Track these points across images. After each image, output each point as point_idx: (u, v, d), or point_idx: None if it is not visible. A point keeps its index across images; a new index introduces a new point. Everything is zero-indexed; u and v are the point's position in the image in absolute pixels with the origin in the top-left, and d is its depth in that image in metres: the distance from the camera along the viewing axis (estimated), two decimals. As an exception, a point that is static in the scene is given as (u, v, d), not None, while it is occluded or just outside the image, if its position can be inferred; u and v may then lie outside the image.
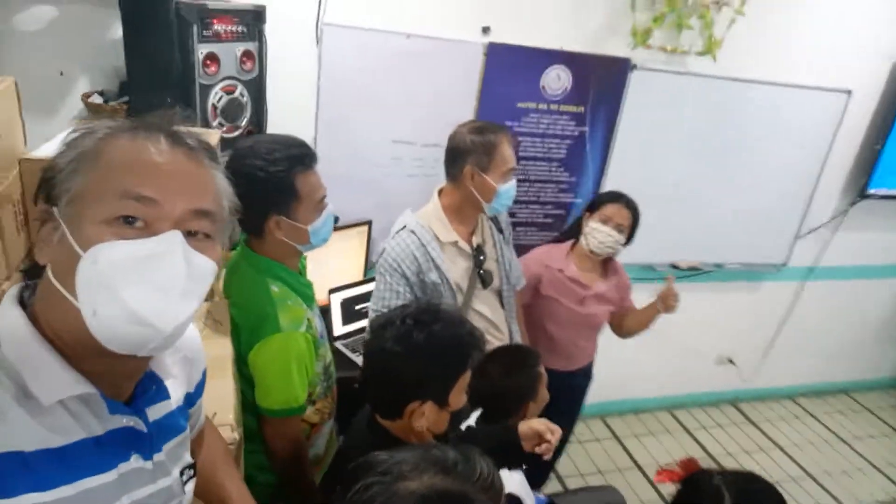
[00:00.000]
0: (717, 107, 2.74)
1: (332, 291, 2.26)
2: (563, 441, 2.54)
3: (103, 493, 0.67)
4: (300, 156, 1.34)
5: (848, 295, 3.59)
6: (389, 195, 2.37)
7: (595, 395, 2.96)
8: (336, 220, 2.29)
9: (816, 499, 2.98)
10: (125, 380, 0.72)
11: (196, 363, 0.88)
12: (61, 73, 1.87)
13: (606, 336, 2.37)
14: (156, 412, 0.76)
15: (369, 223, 2.38)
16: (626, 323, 2.35)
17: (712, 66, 2.61)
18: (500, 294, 1.88)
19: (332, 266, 2.29)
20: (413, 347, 1.11)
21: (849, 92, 2.89)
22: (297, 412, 1.39)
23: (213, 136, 1.54)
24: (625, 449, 3.18)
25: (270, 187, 1.30)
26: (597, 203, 2.14)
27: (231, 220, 0.77)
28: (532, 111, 2.49)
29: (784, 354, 3.63)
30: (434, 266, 1.68)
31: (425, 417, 1.14)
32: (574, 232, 2.22)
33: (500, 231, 1.88)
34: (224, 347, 1.28)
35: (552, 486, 2.75)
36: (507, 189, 1.71)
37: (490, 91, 2.39)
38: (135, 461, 0.71)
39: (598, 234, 2.06)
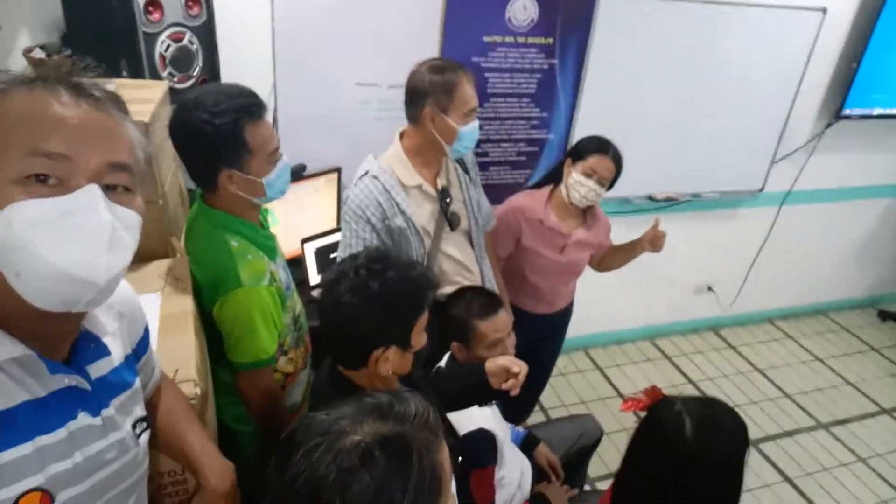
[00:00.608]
0: (688, 32, 2.67)
1: (304, 241, 2.24)
2: (545, 376, 2.61)
3: (57, 450, 0.68)
4: (248, 106, 1.28)
5: (825, 217, 3.62)
6: (358, 140, 2.32)
7: (578, 328, 3.02)
8: (303, 168, 2.30)
9: (792, 416, 3.09)
10: (60, 340, 0.72)
11: (134, 319, 0.87)
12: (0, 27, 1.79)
13: (588, 271, 2.38)
14: (98, 369, 0.77)
15: (339, 170, 2.33)
16: (606, 260, 2.37)
17: (683, -11, 2.52)
18: (469, 235, 1.87)
19: (303, 216, 2.27)
20: (369, 297, 1.11)
21: (824, 10, 2.81)
22: (266, 363, 1.41)
23: (160, 88, 1.49)
24: (607, 379, 3.26)
25: (219, 141, 1.26)
26: (580, 152, 2.03)
27: (147, 171, 0.75)
28: (499, 45, 2.41)
29: (763, 280, 3.68)
30: (399, 211, 1.66)
31: (390, 362, 1.15)
32: (553, 177, 2.17)
33: (467, 172, 1.85)
34: (185, 304, 1.27)
35: (536, 417, 2.83)
36: (469, 130, 1.66)
37: (454, 26, 2.31)
38: (83, 418, 0.72)
39: (580, 187, 2.00)
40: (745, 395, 3.23)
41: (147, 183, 0.75)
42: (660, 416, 1.21)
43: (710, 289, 3.63)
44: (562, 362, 3.31)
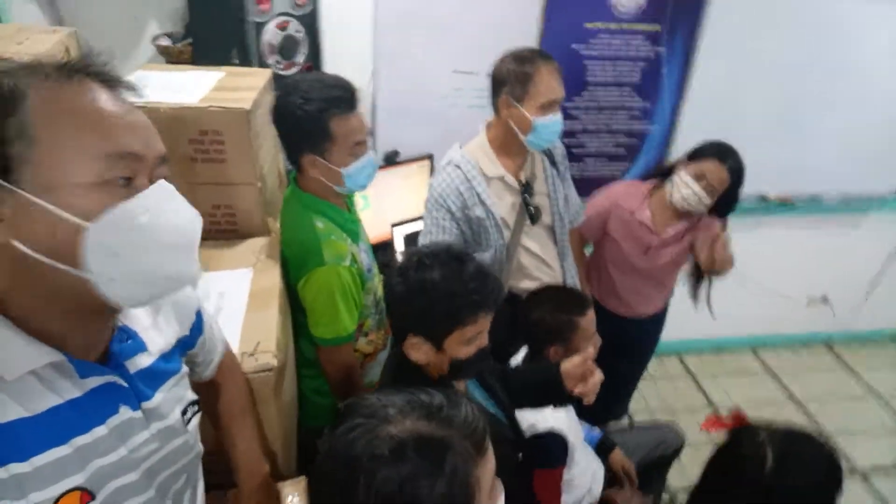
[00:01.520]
0: (814, 24, 2.43)
1: (394, 225, 2.31)
2: (633, 382, 2.50)
3: (100, 447, 0.69)
4: (336, 98, 1.33)
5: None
6: (451, 127, 2.33)
7: (673, 331, 2.87)
8: (397, 154, 2.35)
9: (912, 448, 2.78)
10: (97, 339, 0.72)
11: (180, 306, 0.88)
12: (134, 18, 1.97)
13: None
14: (136, 364, 0.76)
15: (431, 157, 2.37)
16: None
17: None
18: (552, 230, 1.83)
19: (394, 200, 2.33)
20: (407, 282, 1.14)
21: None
22: (345, 340, 1.47)
23: (264, 76, 1.58)
24: (700, 388, 3.09)
25: (304, 126, 1.33)
26: (699, 153, 1.90)
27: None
28: (601, 32, 2.33)
29: (889, 294, 3.32)
30: (479, 201, 1.66)
31: (422, 352, 1.16)
32: (661, 172, 2.03)
33: (555, 165, 1.81)
34: (273, 280, 1.35)
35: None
36: (546, 123, 1.61)
37: (554, 12, 2.25)
38: (123, 412, 0.72)
39: (684, 188, 1.87)
40: (856, 421, 2.94)
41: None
42: (740, 445, 1.13)
43: (825, 300, 3.32)
44: (652, 366, 3.15)
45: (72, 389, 0.67)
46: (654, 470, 1.96)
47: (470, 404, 0.72)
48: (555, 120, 1.63)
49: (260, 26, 1.78)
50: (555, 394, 1.37)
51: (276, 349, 1.15)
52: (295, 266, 1.43)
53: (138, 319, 0.79)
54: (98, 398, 0.69)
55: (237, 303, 1.27)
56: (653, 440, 1.95)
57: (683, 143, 2.59)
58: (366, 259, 1.55)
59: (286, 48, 1.86)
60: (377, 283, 1.64)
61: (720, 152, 1.86)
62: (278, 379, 1.15)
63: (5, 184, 0.58)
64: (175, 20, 1.99)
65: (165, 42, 1.93)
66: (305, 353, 1.56)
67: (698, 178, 1.85)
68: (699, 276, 2.10)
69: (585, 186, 2.58)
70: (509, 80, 1.60)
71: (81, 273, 0.61)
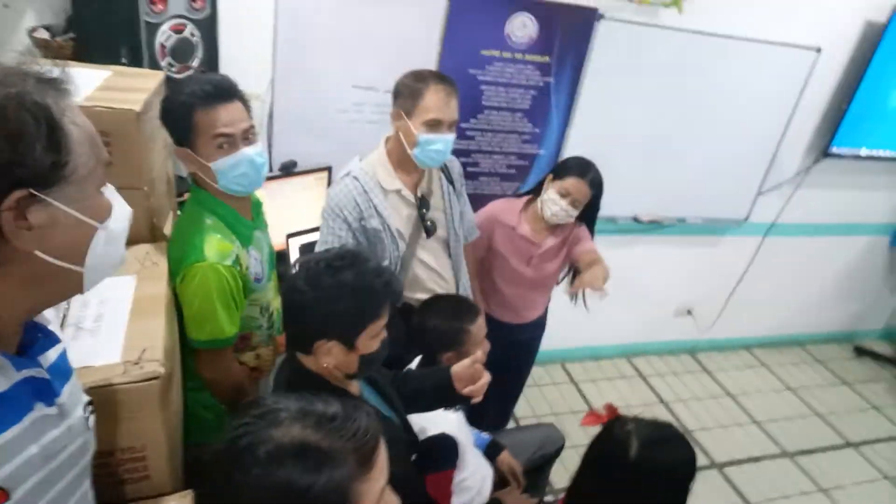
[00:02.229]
0: (684, 61, 2.73)
1: (290, 236, 2.29)
2: (519, 386, 2.64)
3: (17, 445, 0.69)
4: (204, 91, 1.34)
5: (807, 251, 3.68)
6: (350, 141, 2.36)
7: (555, 340, 3.05)
8: (294, 164, 2.34)
9: (759, 443, 3.15)
10: (14, 331, 0.72)
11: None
12: (5, 5, 1.83)
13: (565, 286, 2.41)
14: (49, 357, 0.77)
15: (329, 169, 2.38)
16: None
17: (680, 19, 2.58)
18: (446, 244, 1.92)
19: (291, 211, 2.31)
20: (319, 288, 1.16)
21: (818, 49, 2.87)
22: (223, 344, 1.44)
23: (156, 78, 1.53)
24: (581, 393, 3.31)
25: (174, 118, 1.38)
26: (561, 170, 2.07)
27: None
28: (496, 59, 2.47)
29: (742, 307, 3.74)
30: (376, 212, 1.71)
31: (332, 356, 1.19)
32: (536, 189, 2.21)
33: (451, 182, 1.90)
34: (159, 288, 1.31)
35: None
36: (431, 140, 1.67)
37: (453, 38, 2.36)
38: (38, 409, 0.72)
39: (553, 205, 2.05)
40: (714, 418, 3.28)
41: None
42: (610, 434, 1.26)
43: (689, 312, 3.68)
44: (537, 373, 3.35)
45: (2, 383, 0.67)
46: (537, 469, 2.09)
47: (369, 417, 0.73)
48: (441, 138, 1.68)
49: (153, 27, 1.72)
50: (446, 395, 1.44)
51: (162, 357, 1.12)
52: (175, 261, 1.39)
53: (44, 315, 0.80)
54: (19, 394, 0.70)
55: (119, 311, 1.22)
56: (536, 441, 2.08)
57: (568, 165, 2.80)
58: (256, 267, 1.53)
59: (180, 51, 1.81)
60: (271, 296, 1.62)
61: (581, 169, 2.05)
62: (164, 388, 1.12)
63: (48, 199, 0.64)
64: (56, 12, 1.87)
65: (43, 35, 1.81)
66: (191, 364, 1.50)
67: (563, 195, 2.03)
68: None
69: (479, 203, 2.69)
70: (402, 93, 1.68)
71: (80, 268, 0.69)
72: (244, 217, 1.51)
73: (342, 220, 1.70)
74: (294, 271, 1.22)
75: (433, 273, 1.87)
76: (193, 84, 1.37)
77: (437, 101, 1.66)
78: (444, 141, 1.70)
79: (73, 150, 0.65)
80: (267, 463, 0.66)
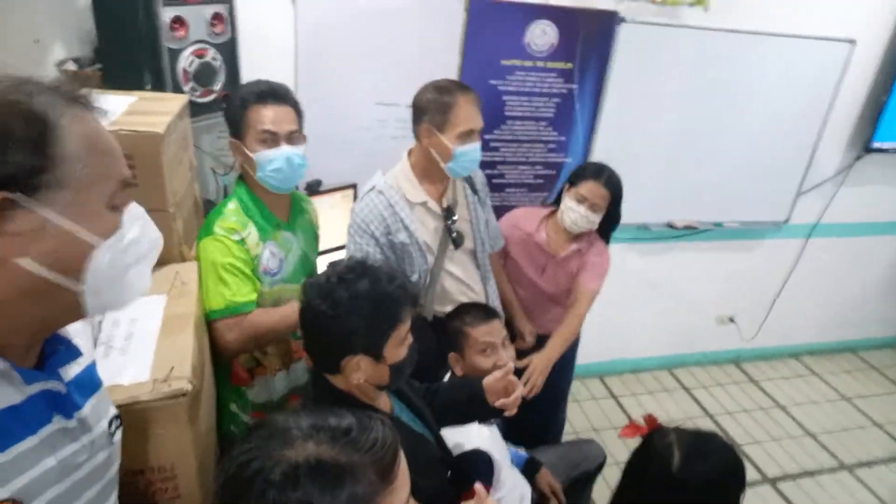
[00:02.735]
0: (712, 60, 2.66)
1: (321, 253, 2.28)
2: (557, 400, 2.56)
3: (31, 457, 0.68)
4: (258, 91, 1.53)
5: (852, 252, 3.52)
6: (374, 158, 2.33)
7: (594, 354, 2.98)
8: (319, 183, 2.35)
9: (814, 456, 2.98)
10: (34, 345, 0.72)
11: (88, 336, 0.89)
12: (36, 41, 1.89)
13: (606, 296, 2.32)
14: (70, 371, 0.77)
15: (354, 186, 2.38)
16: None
17: (705, 18, 2.53)
18: (474, 255, 1.88)
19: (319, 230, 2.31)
20: (336, 304, 1.12)
21: (853, 41, 2.77)
22: (239, 309, 1.51)
23: (179, 101, 1.55)
24: (621, 408, 3.20)
25: (230, 111, 1.56)
26: (575, 177, 2.03)
27: None
28: (517, 69, 2.45)
29: (787, 313, 3.59)
30: (403, 226, 1.68)
31: (362, 371, 1.15)
32: (555, 199, 2.17)
33: (476, 192, 1.87)
34: (187, 306, 1.31)
35: (545, 443, 2.79)
36: (465, 151, 1.67)
37: (473, 49, 2.35)
38: (57, 422, 0.72)
39: (572, 213, 2.00)
40: (765, 431, 3.13)
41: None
42: (651, 445, 1.19)
43: (731, 320, 3.55)
44: (575, 388, 3.25)
45: (12, 396, 0.67)
46: (578, 487, 2.00)
47: (385, 427, 0.70)
48: (474, 147, 1.69)
49: (175, 53, 1.75)
50: (479, 408, 1.39)
51: (190, 374, 1.11)
52: (197, 239, 1.55)
53: (67, 329, 0.79)
54: (35, 406, 0.69)
55: (149, 329, 1.22)
56: (575, 458, 2.00)
57: (596, 172, 2.74)
58: (270, 261, 1.60)
59: (202, 75, 1.84)
60: (286, 297, 1.65)
61: (595, 172, 2.00)
62: (193, 405, 1.11)
63: (34, 204, 0.62)
64: (83, 44, 1.92)
65: (72, 67, 1.86)
66: (222, 379, 1.55)
67: (580, 201, 1.98)
68: None
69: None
70: (430, 109, 1.65)
71: (78, 286, 0.66)
72: (274, 213, 1.63)
73: (369, 235, 1.68)
74: (304, 289, 1.18)
75: (462, 285, 1.84)
76: (254, 85, 1.56)
77: (468, 112, 1.66)
78: (477, 149, 1.71)
79: (69, 157, 0.63)
80: (283, 485, 0.62)
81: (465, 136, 1.66)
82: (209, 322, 1.50)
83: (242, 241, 1.53)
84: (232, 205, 1.57)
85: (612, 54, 2.53)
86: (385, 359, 1.15)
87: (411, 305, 1.18)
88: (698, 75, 2.68)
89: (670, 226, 3.03)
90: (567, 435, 2.93)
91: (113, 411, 0.85)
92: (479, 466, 1.55)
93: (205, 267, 1.50)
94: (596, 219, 2.01)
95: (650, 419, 1.29)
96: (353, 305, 1.11)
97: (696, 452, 1.14)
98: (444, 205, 1.77)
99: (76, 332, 0.81)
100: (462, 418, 1.48)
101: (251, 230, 1.56)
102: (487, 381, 1.37)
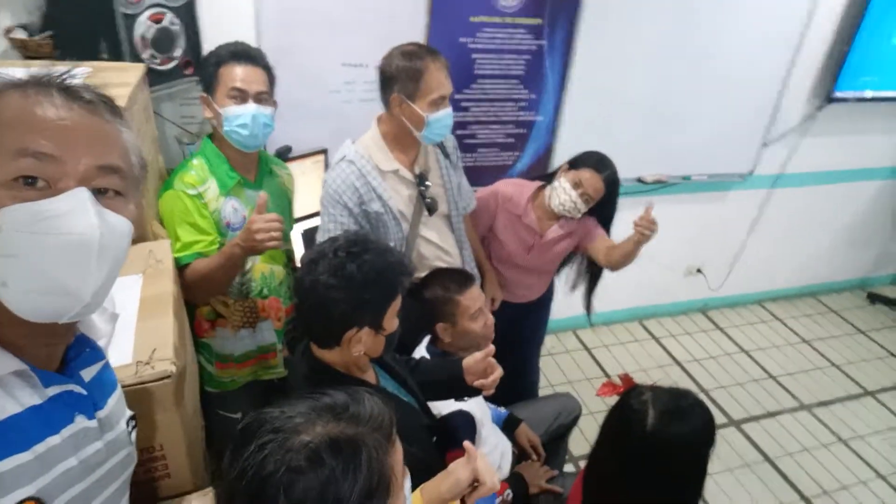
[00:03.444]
0: (678, 13, 2.64)
1: (295, 221, 2.25)
2: (532, 362, 2.62)
3: (53, 456, 0.68)
4: (233, 50, 1.60)
5: (816, 200, 3.62)
6: (345, 122, 2.31)
7: (566, 309, 3.03)
8: (289, 150, 2.30)
9: (776, 397, 3.14)
10: (54, 346, 0.71)
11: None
12: (-21, 8, 1.77)
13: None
14: (91, 371, 0.77)
15: (325, 151, 2.34)
16: (610, 258, 2.20)
17: (674, -31, 2.50)
18: (448, 219, 1.88)
19: (290, 197, 2.28)
20: (347, 278, 1.13)
21: (817, -9, 2.78)
22: (184, 260, 1.59)
23: (137, 70, 1.49)
24: (594, 359, 3.30)
25: (204, 67, 1.62)
26: (579, 161, 2.01)
27: (142, 177, 0.73)
28: (486, 25, 2.40)
29: (752, 262, 3.71)
30: (376, 196, 1.67)
31: (362, 343, 1.18)
32: (547, 177, 2.16)
33: (447, 156, 1.86)
34: (165, 286, 1.29)
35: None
36: (439, 118, 1.65)
37: (440, 6, 2.29)
38: (79, 422, 0.72)
39: (562, 194, 1.98)
40: (730, 375, 3.27)
41: (141, 189, 0.74)
42: (627, 404, 1.24)
43: (699, 271, 3.65)
44: (549, 342, 3.35)
45: (33, 397, 0.67)
46: (556, 440, 2.08)
47: (372, 397, 0.74)
48: (446, 113, 1.66)
49: (131, 18, 1.67)
50: (457, 387, 1.43)
51: (173, 355, 1.11)
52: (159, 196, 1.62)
53: (97, 330, 0.79)
54: (57, 407, 0.69)
55: (127, 311, 1.20)
56: (552, 411, 2.07)
57: (567, 131, 2.74)
58: (231, 216, 1.66)
59: (161, 41, 1.76)
60: (257, 262, 1.72)
61: (598, 163, 1.99)
62: (178, 385, 1.11)
63: None
64: (30, 10, 1.81)
65: (21, 35, 1.76)
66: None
67: (576, 185, 1.97)
68: (592, 276, 2.31)
69: (479, 175, 2.67)
70: (399, 78, 1.62)
71: None
72: (237, 170, 1.67)
73: (342, 205, 1.66)
74: (307, 266, 1.18)
75: (438, 250, 1.84)
76: (230, 45, 1.62)
77: (439, 79, 1.62)
78: (449, 115, 1.68)
79: None
80: (308, 469, 0.66)
81: (437, 103, 1.63)
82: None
83: (199, 196, 1.60)
84: (196, 161, 1.64)
85: (580, 9, 2.49)
86: (384, 329, 1.17)
87: (407, 276, 1.20)
88: (665, 29, 2.67)
89: (640, 180, 3.06)
90: (543, 388, 3.02)
91: (129, 411, 0.85)
92: (461, 426, 1.60)
93: (164, 216, 1.60)
94: (583, 208, 2.01)
95: (626, 378, 1.34)
96: (364, 279, 1.13)
97: (671, 411, 1.19)
98: (416, 171, 1.76)
99: (106, 334, 0.83)
100: (441, 395, 1.52)
101: (211, 184, 1.63)
102: (467, 362, 1.40)
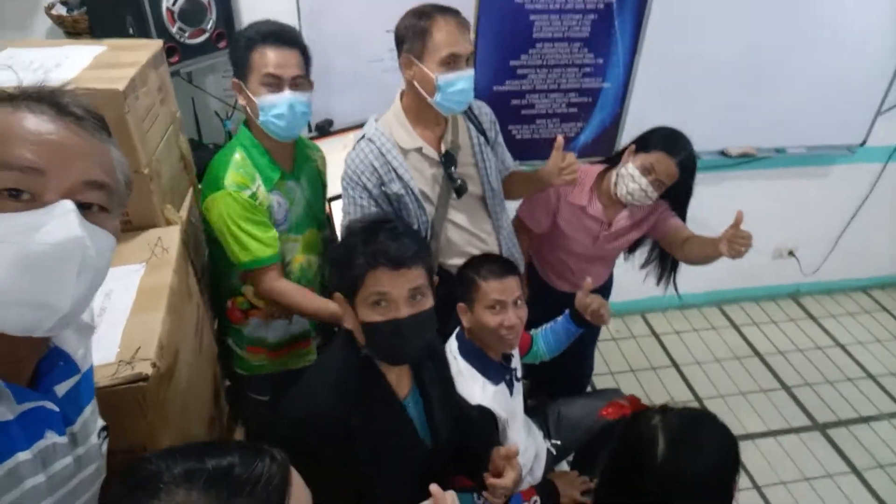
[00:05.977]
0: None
1: (331, 200, 2.19)
2: (586, 353, 2.44)
3: (23, 472, 0.68)
4: (264, 31, 1.48)
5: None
6: (388, 92, 2.17)
7: (635, 290, 2.81)
8: (330, 123, 2.22)
9: (872, 400, 2.78)
10: (26, 360, 0.71)
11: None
12: (24, -15, 1.80)
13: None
14: (65, 387, 0.76)
15: (368, 124, 2.24)
16: (688, 255, 1.96)
17: None
18: (483, 201, 1.72)
19: (330, 173, 2.21)
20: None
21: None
22: (261, 263, 1.56)
23: (150, 49, 1.44)
24: (663, 347, 3.07)
25: (234, 50, 1.53)
26: (647, 143, 1.76)
27: (127, 195, 0.74)
28: (546, -17, 2.17)
29: (857, 244, 3.27)
30: (396, 176, 1.55)
31: (343, 309, 1.20)
32: (612, 160, 1.92)
33: (483, 133, 1.69)
34: (164, 278, 1.25)
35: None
36: (451, 80, 1.47)
37: (493, -37, 2.09)
38: (49, 437, 0.72)
39: (631, 182, 1.74)
40: (819, 372, 2.93)
41: (125, 206, 0.75)
42: (637, 428, 1.07)
43: (791, 253, 3.27)
44: (614, 326, 3.15)
45: (5, 413, 0.66)
46: (598, 439, 1.93)
47: (272, 463, 0.62)
48: (459, 76, 1.48)
49: (155, -9, 1.62)
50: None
51: (155, 355, 1.07)
52: (204, 188, 1.56)
53: (73, 343, 0.78)
54: (28, 423, 0.68)
55: (122, 304, 1.18)
56: (598, 409, 1.90)
57: (638, 99, 2.48)
58: (277, 213, 1.60)
59: (189, 14, 1.71)
60: (293, 249, 1.68)
61: (671, 144, 1.73)
62: (159, 385, 1.07)
63: None
64: (71, -14, 1.82)
65: (60, 11, 1.77)
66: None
67: (646, 171, 1.73)
68: (668, 262, 2.10)
69: (538, 148, 2.49)
70: (407, 37, 1.50)
71: None
72: (278, 163, 1.60)
73: (361, 187, 1.56)
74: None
75: (469, 235, 1.70)
76: (261, 25, 1.51)
77: (448, 34, 1.46)
78: (466, 78, 1.50)
79: None
80: None
81: (449, 63, 1.47)
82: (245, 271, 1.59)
83: (254, 196, 1.53)
84: (238, 155, 1.55)
85: (657, -41, 2.20)
86: (356, 311, 1.19)
87: (373, 268, 1.16)
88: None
89: (724, 153, 2.74)
90: (603, 375, 2.84)
91: (101, 422, 0.85)
92: (480, 424, 1.50)
93: (220, 222, 1.52)
94: (654, 196, 1.76)
95: (634, 400, 1.17)
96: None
97: (685, 439, 1.02)
98: (443, 149, 1.61)
99: (83, 346, 0.80)
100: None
101: (259, 182, 1.55)
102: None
